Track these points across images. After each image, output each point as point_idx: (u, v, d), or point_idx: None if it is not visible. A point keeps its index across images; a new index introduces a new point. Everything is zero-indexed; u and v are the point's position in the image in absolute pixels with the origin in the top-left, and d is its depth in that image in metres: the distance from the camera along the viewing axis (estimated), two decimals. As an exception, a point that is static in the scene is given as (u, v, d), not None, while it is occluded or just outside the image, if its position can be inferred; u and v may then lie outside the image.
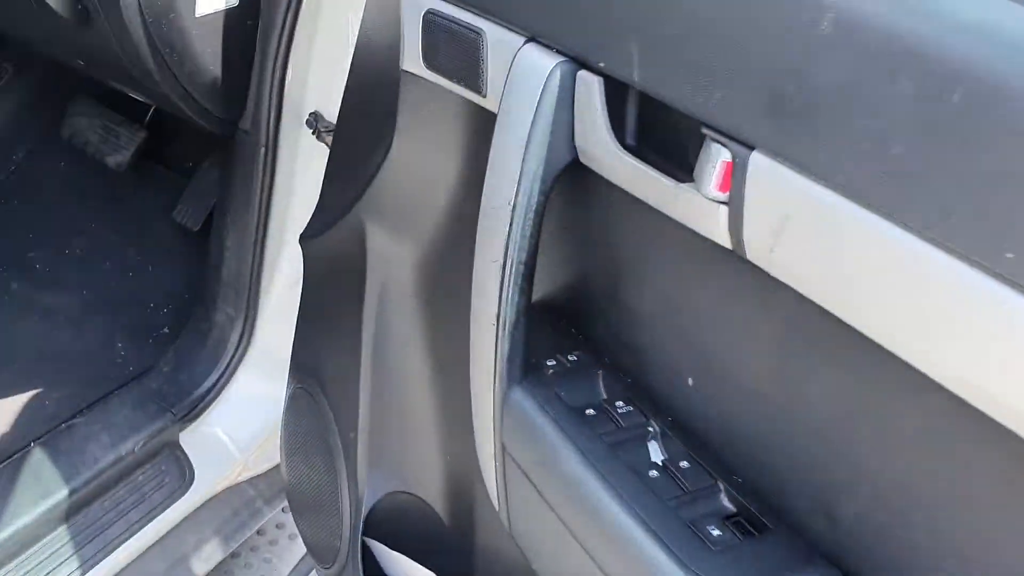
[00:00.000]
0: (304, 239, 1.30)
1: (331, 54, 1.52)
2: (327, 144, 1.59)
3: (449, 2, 0.97)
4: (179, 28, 1.38)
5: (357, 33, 1.35)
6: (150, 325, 1.92)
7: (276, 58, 1.49)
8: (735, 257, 0.76)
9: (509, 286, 0.88)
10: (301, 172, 1.63)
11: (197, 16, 1.38)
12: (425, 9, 1.00)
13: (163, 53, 1.38)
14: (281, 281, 1.71)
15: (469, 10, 0.97)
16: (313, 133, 1.58)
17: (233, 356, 1.75)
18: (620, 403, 0.89)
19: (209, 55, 1.44)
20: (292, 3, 1.44)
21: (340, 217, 1.24)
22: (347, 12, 1.50)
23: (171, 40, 1.38)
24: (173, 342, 1.86)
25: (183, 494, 1.67)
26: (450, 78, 1.01)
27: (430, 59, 1.02)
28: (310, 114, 1.58)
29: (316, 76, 1.55)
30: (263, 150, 1.57)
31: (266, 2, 1.45)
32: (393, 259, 1.18)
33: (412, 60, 1.05)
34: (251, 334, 1.75)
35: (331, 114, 1.58)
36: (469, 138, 1.04)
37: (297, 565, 1.88)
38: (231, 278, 1.70)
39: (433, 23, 1.00)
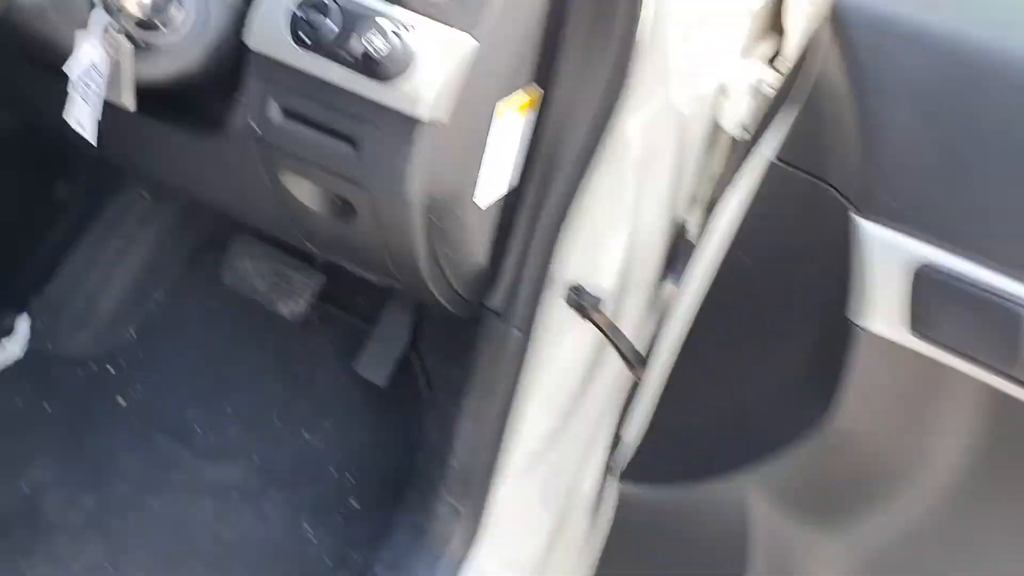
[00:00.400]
0: (626, 480, 1.05)
1: (603, 217, 1.29)
2: (591, 321, 1.36)
3: (967, 258, 0.71)
4: (459, 221, 1.14)
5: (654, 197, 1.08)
6: (336, 499, 1.68)
7: (545, 232, 1.25)
8: None
9: None
10: (548, 352, 1.39)
11: (479, 205, 1.14)
12: (919, 264, 0.75)
13: (436, 247, 1.14)
14: (513, 472, 1.48)
15: (1005, 273, 0.71)
16: (576, 310, 1.34)
17: (457, 555, 1.51)
18: None
19: (480, 242, 1.20)
20: (577, 171, 1.20)
21: (703, 477, 0.98)
22: (629, 164, 1.27)
23: (449, 234, 1.14)
24: (365, 520, 1.62)
25: None
26: (957, 355, 0.76)
27: (922, 326, 0.77)
28: (571, 289, 1.34)
29: (580, 243, 1.32)
30: (515, 331, 1.33)
31: (544, 174, 1.21)
32: (811, 554, 0.93)
33: (885, 321, 0.80)
34: (477, 530, 1.51)
35: (595, 287, 1.35)
36: (986, 433, 0.79)
37: None
38: (461, 469, 1.46)
39: (933, 282, 0.74)
